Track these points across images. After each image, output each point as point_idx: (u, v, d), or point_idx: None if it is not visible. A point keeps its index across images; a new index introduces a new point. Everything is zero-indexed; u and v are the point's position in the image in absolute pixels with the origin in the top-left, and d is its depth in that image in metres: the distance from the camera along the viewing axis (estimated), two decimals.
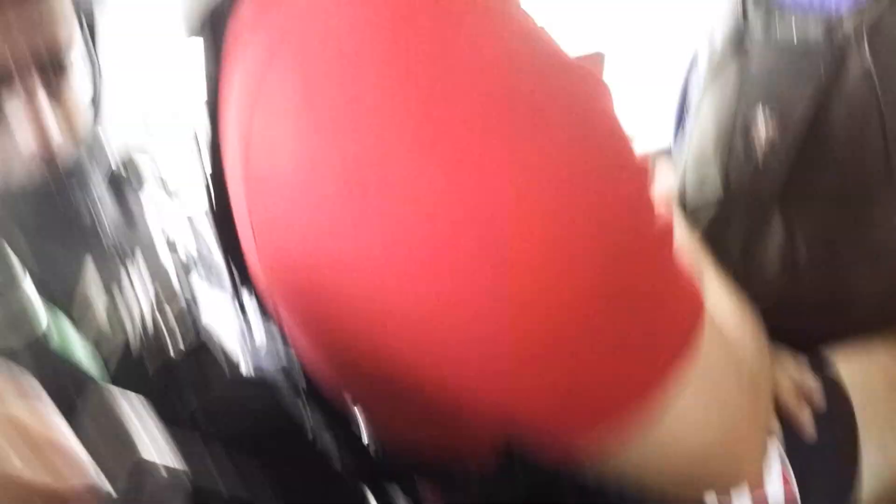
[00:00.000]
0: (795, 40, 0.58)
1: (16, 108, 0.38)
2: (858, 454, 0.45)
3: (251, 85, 0.19)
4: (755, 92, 0.61)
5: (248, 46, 0.20)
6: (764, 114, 0.59)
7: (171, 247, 0.53)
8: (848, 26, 0.54)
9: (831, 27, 0.55)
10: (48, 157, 0.41)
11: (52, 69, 0.42)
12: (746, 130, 0.61)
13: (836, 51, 0.55)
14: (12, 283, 0.35)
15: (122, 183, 0.53)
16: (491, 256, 0.15)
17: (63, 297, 0.41)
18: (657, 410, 0.18)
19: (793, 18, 0.60)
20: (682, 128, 0.85)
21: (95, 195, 0.49)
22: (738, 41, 0.64)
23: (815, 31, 0.56)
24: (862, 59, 0.53)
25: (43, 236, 0.43)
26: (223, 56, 0.22)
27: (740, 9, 0.66)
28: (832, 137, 0.55)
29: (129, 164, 0.55)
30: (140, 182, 0.56)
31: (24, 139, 0.39)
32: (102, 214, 0.48)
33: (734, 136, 0.62)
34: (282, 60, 0.17)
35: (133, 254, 0.48)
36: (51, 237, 0.44)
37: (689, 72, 0.85)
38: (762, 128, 0.59)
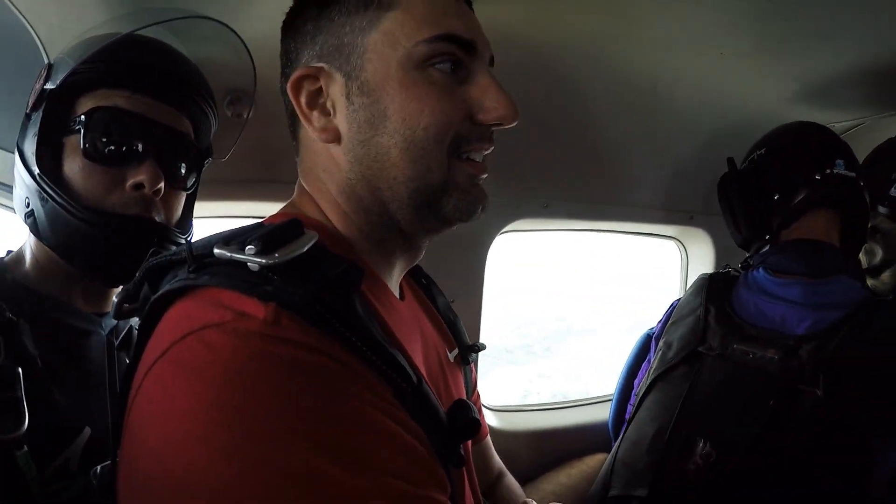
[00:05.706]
0: (751, 357, 0.60)
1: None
2: None
3: (140, 373, 0.30)
4: (700, 407, 0.62)
5: (156, 341, 0.31)
6: (704, 436, 0.59)
7: None
8: (804, 352, 0.57)
9: (788, 350, 0.58)
10: (143, 207, 0.51)
11: (178, 176, 0.54)
12: (684, 444, 0.60)
13: (789, 376, 0.57)
14: None
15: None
16: None
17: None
18: None
19: (752, 334, 0.62)
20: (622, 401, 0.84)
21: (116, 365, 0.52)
22: (695, 345, 0.66)
23: (772, 352, 0.59)
24: (814, 388, 0.54)
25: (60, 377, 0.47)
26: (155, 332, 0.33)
27: (702, 313, 0.68)
28: (776, 462, 0.55)
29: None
30: None
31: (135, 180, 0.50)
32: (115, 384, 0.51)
33: (671, 445, 0.62)
34: (150, 378, 0.29)
35: None
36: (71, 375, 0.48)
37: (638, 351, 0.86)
38: (701, 445, 0.59)
